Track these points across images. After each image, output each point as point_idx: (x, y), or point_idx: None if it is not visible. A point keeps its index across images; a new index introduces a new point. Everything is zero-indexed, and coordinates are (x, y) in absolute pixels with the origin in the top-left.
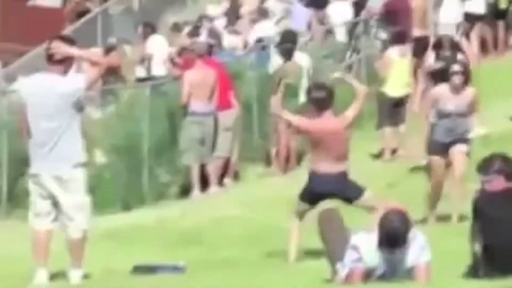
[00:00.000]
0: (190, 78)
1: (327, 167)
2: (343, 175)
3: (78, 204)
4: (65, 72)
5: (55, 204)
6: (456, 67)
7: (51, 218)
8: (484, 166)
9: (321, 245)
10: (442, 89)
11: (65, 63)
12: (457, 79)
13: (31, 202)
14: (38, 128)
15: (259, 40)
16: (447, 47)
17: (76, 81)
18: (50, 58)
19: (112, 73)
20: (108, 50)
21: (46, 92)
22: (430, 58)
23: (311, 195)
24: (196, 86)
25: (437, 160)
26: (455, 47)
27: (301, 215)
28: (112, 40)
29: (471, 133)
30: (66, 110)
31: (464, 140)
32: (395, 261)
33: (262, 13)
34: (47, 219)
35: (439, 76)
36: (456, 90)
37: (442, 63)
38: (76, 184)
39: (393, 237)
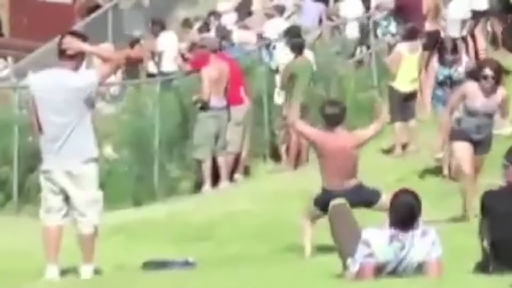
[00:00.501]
0: (208, 74)
1: (336, 183)
2: (354, 188)
3: (90, 199)
4: (76, 67)
5: (66, 199)
6: (487, 71)
7: (62, 214)
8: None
9: (332, 240)
10: (472, 86)
11: (77, 58)
12: (487, 84)
13: (42, 197)
14: (49, 123)
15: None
16: (449, 49)
17: (88, 76)
18: (62, 54)
19: (135, 66)
20: (133, 43)
21: (57, 87)
22: (433, 61)
23: (324, 204)
24: (214, 81)
25: (461, 145)
26: (456, 48)
27: (312, 218)
28: (136, 33)
29: (498, 130)
30: (77, 105)
31: (489, 145)
32: (406, 256)
33: (279, 10)
34: (58, 214)
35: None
36: (487, 92)
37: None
38: (88, 179)
39: (406, 212)
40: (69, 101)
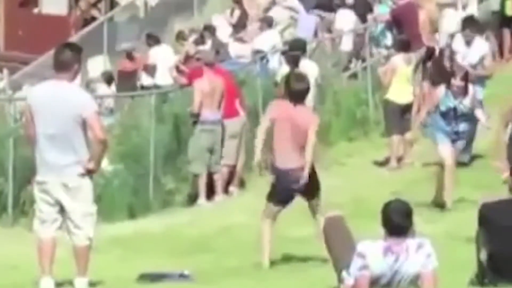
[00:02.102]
0: (201, 87)
1: (285, 160)
2: (300, 170)
3: (85, 212)
4: (72, 79)
5: (61, 210)
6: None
7: (56, 226)
8: None
9: (327, 252)
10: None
11: (73, 70)
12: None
13: (37, 209)
14: (45, 135)
15: (260, 51)
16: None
17: (86, 96)
18: (58, 66)
19: (127, 80)
20: (129, 55)
21: (55, 99)
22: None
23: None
24: (206, 94)
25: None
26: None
27: (272, 216)
28: (125, 45)
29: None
30: (73, 119)
31: None
32: (401, 268)
33: (267, 21)
34: (53, 226)
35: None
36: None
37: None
38: (83, 192)
39: (397, 218)
40: (66, 113)
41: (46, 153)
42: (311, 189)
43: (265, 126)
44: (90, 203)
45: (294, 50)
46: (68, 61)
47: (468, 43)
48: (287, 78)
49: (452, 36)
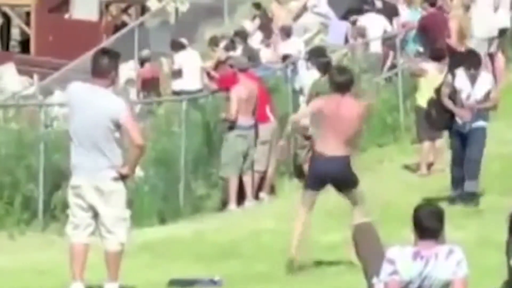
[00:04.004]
0: (238, 93)
1: (330, 148)
2: (343, 159)
3: (118, 217)
4: (108, 85)
5: (95, 216)
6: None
7: (89, 231)
8: None
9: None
10: None
11: (110, 77)
12: None
13: (70, 214)
14: (78, 138)
15: (286, 56)
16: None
17: (119, 102)
18: (95, 71)
19: (152, 86)
20: (142, 62)
21: (89, 104)
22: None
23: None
24: (243, 101)
25: None
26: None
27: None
28: (145, 52)
29: None
30: (107, 123)
31: None
32: (430, 274)
33: (285, 32)
34: (85, 231)
35: None
36: None
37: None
38: (116, 197)
39: (429, 221)
40: (100, 118)
41: (80, 157)
42: (347, 180)
43: (304, 114)
44: (123, 208)
45: (320, 57)
46: (106, 68)
47: (473, 80)
48: (330, 74)
49: (453, 74)
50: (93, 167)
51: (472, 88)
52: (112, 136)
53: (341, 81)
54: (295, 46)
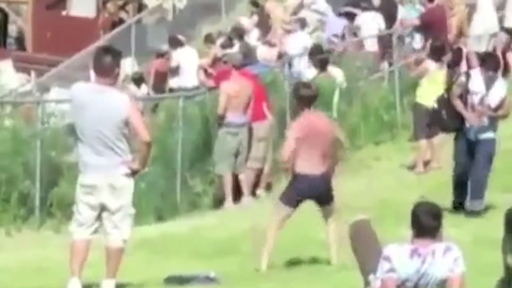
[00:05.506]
0: (227, 89)
1: (311, 167)
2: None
3: (126, 213)
4: (111, 84)
5: (99, 216)
6: None
7: (92, 230)
8: None
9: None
10: None
11: (113, 75)
12: None
13: (76, 211)
14: (88, 138)
15: (287, 53)
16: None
17: (127, 103)
18: (99, 70)
19: (163, 81)
20: (158, 56)
21: (96, 103)
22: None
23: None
24: (233, 97)
25: None
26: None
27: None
28: (162, 46)
29: None
30: (115, 121)
31: None
32: (427, 271)
33: (301, 23)
34: (89, 229)
35: None
36: None
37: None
38: (127, 193)
39: (426, 219)
40: (108, 116)
41: (92, 156)
42: (328, 196)
43: (291, 146)
44: (130, 205)
45: (317, 54)
46: (109, 66)
47: (489, 83)
48: (296, 89)
49: (468, 75)
50: (107, 165)
51: (486, 92)
52: (121, 133)
53: (308, 94)
54: (303, 40)
